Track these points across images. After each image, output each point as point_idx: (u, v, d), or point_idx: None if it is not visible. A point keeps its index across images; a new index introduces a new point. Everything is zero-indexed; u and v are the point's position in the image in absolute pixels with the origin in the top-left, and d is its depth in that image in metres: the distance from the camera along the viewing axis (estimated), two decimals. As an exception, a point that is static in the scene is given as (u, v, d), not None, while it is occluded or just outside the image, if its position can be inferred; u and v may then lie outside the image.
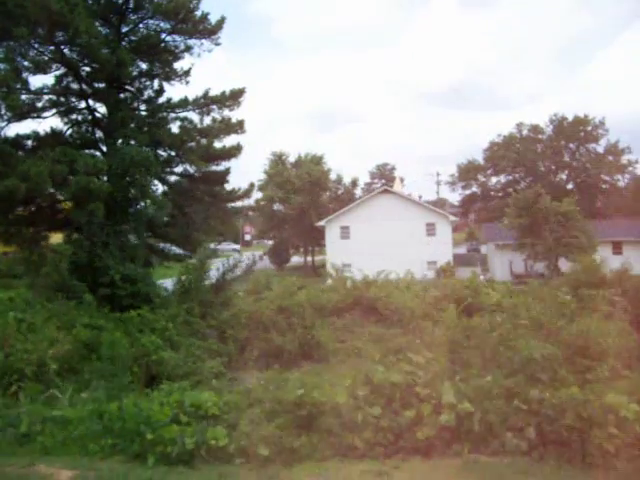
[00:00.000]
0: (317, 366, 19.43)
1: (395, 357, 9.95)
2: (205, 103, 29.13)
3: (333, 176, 65.60)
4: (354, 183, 67.53)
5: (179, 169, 30.02)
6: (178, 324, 20.03)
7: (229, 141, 30.69)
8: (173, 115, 29.12)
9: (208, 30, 27.23)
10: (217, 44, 27.89)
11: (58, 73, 26.58)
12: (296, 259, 68.50)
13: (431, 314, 21.64)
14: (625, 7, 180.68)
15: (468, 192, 76.54)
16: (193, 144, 29.12)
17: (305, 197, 57.96)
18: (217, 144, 29.99)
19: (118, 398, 11.41)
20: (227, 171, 29.88)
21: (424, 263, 49.35)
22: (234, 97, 29.34)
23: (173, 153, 29.36)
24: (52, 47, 25.49)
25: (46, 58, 25.92)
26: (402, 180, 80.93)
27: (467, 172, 74.60)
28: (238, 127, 30.13)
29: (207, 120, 29.85)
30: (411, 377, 6.88)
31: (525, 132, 73.84)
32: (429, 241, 53.30)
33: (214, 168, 30.16)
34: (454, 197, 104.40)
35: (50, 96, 26.81)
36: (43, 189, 21.87)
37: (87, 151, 26.70)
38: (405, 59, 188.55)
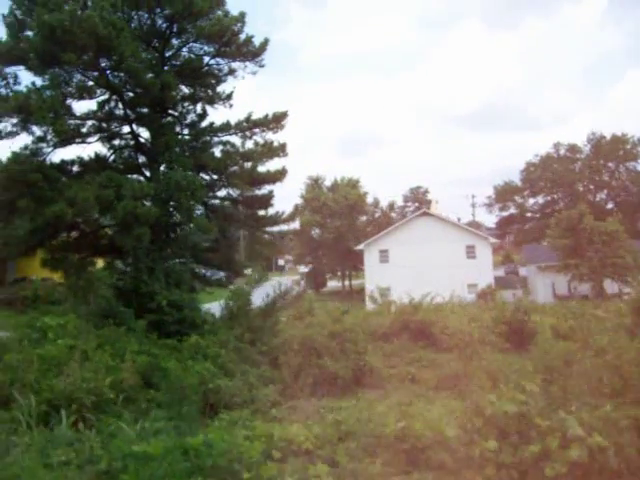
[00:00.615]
0: (373, 393, 18.83)
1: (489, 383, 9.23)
2: (248, 127, 28.82)
3: (370, 199, 65.27)
4: (391, 206, 67.14)
5: (222, 193, 29.73)
6: (229, 351, 19.52)
7: (272, 165, 30.31)
8: (216, 139, 28.88)
9: (252, 52, 27.01)
10: (261, 66, 27.65)
11: (102, 99, 26.59)
12: (332, 284, 67.95)
13: (488, 338, 20.92)
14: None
15: (505, 214, 75.50)
16: (236, 168, 28.81)
17: (342, 221, 57.56)
18: (260, 168, 29.66)
19: (183, 429, 10.89)
20: (271, 195, 29.48)
21: (464, 286, 48.49)
22: (277, 120, 29.02)
23: (216, 177, 29.06)
24: (97, 72, 25.43)
25: (91, 84, 25.89)
26: (437, 202, 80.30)
27: (504, 193, 73.69)
28: (280, 150, 29.76)
29: (249, 144, 29.58)
30: (526, 407, 6.25)
31: (562, 152, 72.85)
32: (469, 264, 52.49)
33: (257, 192, 29.77)
34: (489, 219, 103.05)
35: (94, 121, 26.74)
36: (90, 214, 21.67)
37: (131, 176, 26.51)
38: (433, 82, 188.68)
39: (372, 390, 19.50)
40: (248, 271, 30.23)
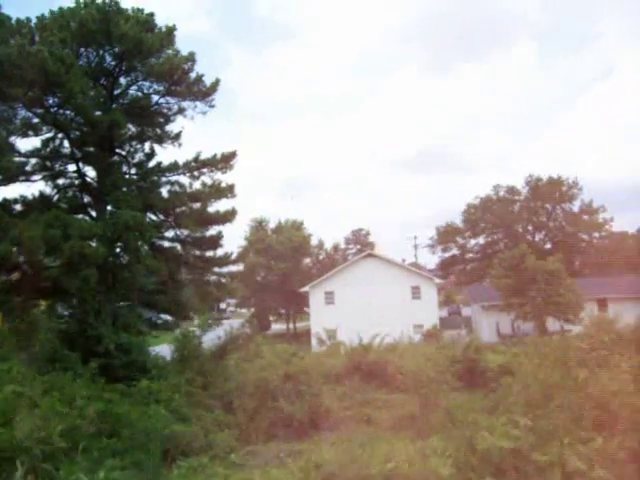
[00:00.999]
0: (329, 435, 18.44)
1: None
2: (196, 166, 28.51)
3: (314, 241, 65.29)
4: (335, 248, 67.25)
5: (169, 234, 29.17)
6: (181, 395, 18.90)
7: (219, 205, 29.98)
8: (164, 179, 28.44)
9: (202, 92, 26.87)
10: (211, 106, 27.53)
11: (47, 136, 25.94)
12: (276, 326, 67.29)
13: (443, 378, 20.74)
14: (583, 72, 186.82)
15: (448, 255, 76.33)
16: (184, 208, 28.36)
17: (287, 263, 57.27)
18: (209, 209, 29.29)
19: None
20: (220, 235, 29.07)
21: (410, 326, 48.49)
22: (226, 160, 28.81)
23: (163, 217, 28.56)
24: (42, 110, 24.85)
25: (36, 121, 25.28)
26: (377, 245, 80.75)
27: (446, 235, 74.60)
28: (229, 191, 29.48)
29: (196, 184, 29.22)
30: (520, 442, 6.05)
31: (502, 193, 74.43)
32: (415, 304, 52.67)
33: (206, 233, 29.33)
34: (431, 260, 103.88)
35: (38, 160, 26.02)
36: (36, 254, 20.82)
37: (76, 216, 25.77)
38: (372, 126, 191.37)
39: (328, 432, 19.09)
40: (194, 314, 29.67)
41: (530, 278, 46.06)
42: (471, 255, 76.01)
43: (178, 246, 29.60)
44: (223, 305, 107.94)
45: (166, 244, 29.40)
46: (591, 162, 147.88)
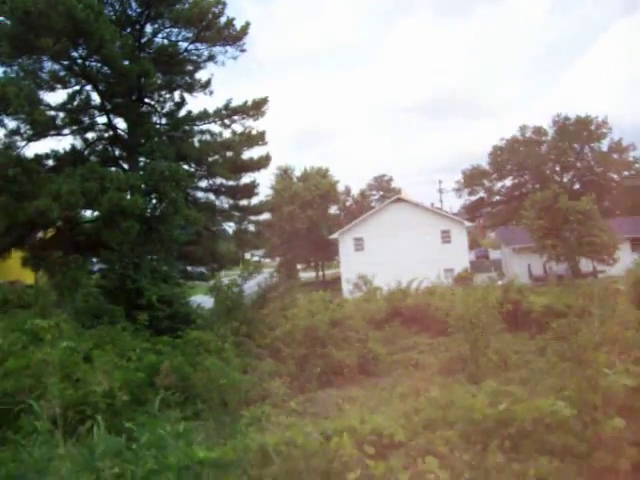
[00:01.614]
0: (379, 380, 18.23)
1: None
2: (227, 114, 27.90)
3: (341, 188, 64.59)
4: (363, 194, 66.50)
5: (202, 184, 28.77)
6: (229, 345, 18.68)
7: (250, 154, 29.45)
8: (195, 128, 27.87)
9: (233, 36, 26.02)
10: (242, 50, 26.67)
11: (74, 89, 25.41)
12: (303, 275, 67.12)
13: (494, 320, 20.32)
14: (601, 10, 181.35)
15: (474, 198, 75.44)
16: (217, 157, 27.86)
17: (314, 210, 56.77)
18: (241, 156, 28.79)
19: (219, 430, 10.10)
20: (254, 183, 28.62)
21: (441, 271, 48.12)
22: (257, 107, 28.17)
23: (197, 167, 28.10)
24: (69, 61, 24.30)
25: (64, 73, 24.73)
26: (402, 191, 80.00)
27: (472, 178, 73.59)
28: (259, 139, 28.92)
29: (227, 133, 28.67)
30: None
31: (528, 134, 73.04)
32: (445, 249, 52.21)
33: (239, 181, 28.88)
34: (454, 204, 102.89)
35: (67, 113, 25.53)
36: (75, 208, 20.52)
37: (110, 169, 25.41)
38: (385, 74, 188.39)
39: (378, 378, 18.85)
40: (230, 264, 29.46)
41: (563, 219, 45.40)
42: (498, 198, 75.14)
43: (211, 196, 29.19)
44: (247, 255, 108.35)
45: (199, 194, 28.99)
46: (616, 102, 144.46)
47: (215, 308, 22.84)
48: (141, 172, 23.64)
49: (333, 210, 62.30)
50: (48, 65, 24.54)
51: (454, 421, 6.36)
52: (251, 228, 29.91)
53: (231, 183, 28.89)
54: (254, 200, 29.41)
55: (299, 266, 65.25)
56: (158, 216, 23.88)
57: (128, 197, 22.75)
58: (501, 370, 17.01)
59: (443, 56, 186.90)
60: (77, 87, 25.74)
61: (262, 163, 28.18)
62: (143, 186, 23.29)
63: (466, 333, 19.91)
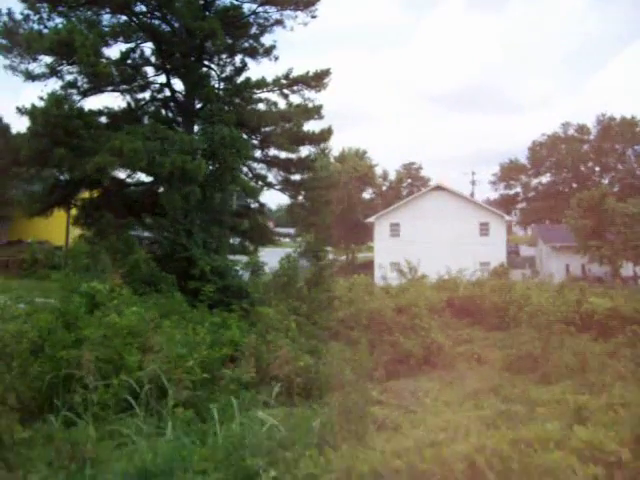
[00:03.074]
0: (443, 373, 17.18)
1: None
2: (288, 84, 26.64)
3: (378, 171, 63.13)
4: (400, 179, 65.05)
5: (255, 154, 27.54)
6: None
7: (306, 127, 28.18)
8: (254, 96, 26.64)
9: (305, 1, 24.68)
10: (314, 17, 25.33)
11: (129, 46, 24.31)
12: (331, 257, 65.75)
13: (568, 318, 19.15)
14: (638, 13, 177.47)
15: (510, 192, 74.02)
16: (274, 127, 26.66)
17: (350, 192, 55.47)
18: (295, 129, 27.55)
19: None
20: (312, 157, 27.32)
21: (476, 264, 46.88)
22: (318, 78, 26.83)
23: (251, 136, 26.90)
24: (131, 15, 23.21)
25: (123, 27, 23.60)
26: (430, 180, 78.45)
27: (509, 171, 72.14)
28: (316, 112, 27.63)
29: (282, 104, 27.45)
30: None
31: (570, 132, 71.44)
32: (482, 241, 50.95)
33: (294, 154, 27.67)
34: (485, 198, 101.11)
35: (126, 68, 24.36)
36: (137, 167, 19.45)
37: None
38: (414, 61, 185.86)
39: (443, 371, 17.80)
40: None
41: (609, 220, 44.12)
42: (533, 194, 73.64)
43: (264, 168, 27.99)
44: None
45: (254, 165, 27.80)
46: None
47: (270, 283, 21.78)
48: (201, 136, 22.43)
49: (368, 194, 60.98)
50: (106, 18, 23.49)
51: None
52: (308, 203, 28.50)
53: (283, 156, 27.69)
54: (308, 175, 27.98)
55: (328, 248, 63.98)
56: (214, 183, 22.77)
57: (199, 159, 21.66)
58: (576, 373, 16.00)
59: (474, 48, 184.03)
60: (135, 43, 24.63)
61: (324, 136, 26.91)
62: (199, 151, 22.20)
63: (539, 330, 18.80)
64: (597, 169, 71.06)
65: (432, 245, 47.97)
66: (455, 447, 5.57)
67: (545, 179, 73.27)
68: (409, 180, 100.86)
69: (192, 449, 6.21)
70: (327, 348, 16.56)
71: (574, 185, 67.84)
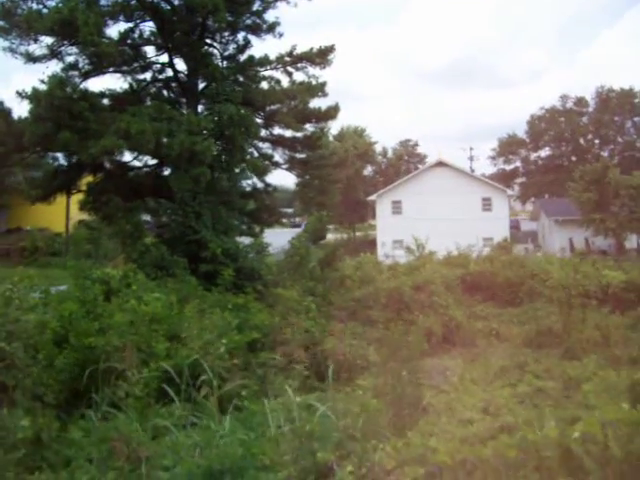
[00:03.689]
0: (464, 350, 16.96)
1: None
2: (292, 61, 26.04)
3: (378, 149, 62.52)
4: (399, 157, 64.53)
5: (261, 133, 26.97)
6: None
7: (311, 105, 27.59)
8: (259, 74, 26.06)
9: (311, -26, 24.00)
10: (320, -10, 24.67)
11: (127, 26, 23.66)
12: (330, 236, 65.48)
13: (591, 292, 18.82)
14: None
15: (510, 167, 73.55)
16: (279, 105, 26.11)
17: (350, 170, 54.91)
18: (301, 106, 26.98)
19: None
20: (318, 134, 26.75)
21: (480, 239, 46.58)
22: (323, 55, 26.21)
23: (256, 115, 26.32)
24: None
25: (122, 4, 22.91)
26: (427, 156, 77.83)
27: (508, 146, 71.63)
28: (319, 89, 27.01)
29: (285, 82, 26.84)
30: None
31: (569, 105, 70.84)
32: (485, 217, 50.62)
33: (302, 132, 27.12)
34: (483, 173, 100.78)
35: (126, 48, 23.77)
36: (145, 149, 18.95)
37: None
38: (406, 38, 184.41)
39: (463, 348, 17.61)
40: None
41: (613, 193, 43.81)
42: (533, 168, 73.16)
43: (270, 147, 27.47)
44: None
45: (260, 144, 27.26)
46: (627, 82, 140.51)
47: (282, 263, 21.42)
48: (207, 115, 21.92)
49: (367, 171, 60.36)
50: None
51: None
52: (317, 182, 27.98)
53: (288, 134, 27.16)
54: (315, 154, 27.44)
55: (330, 226, 63.50)
56: (223, 164, 22.30)
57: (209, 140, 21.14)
58: (601, 347, 15.78)
59: (461, 23, 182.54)
60: (135, 22, 23.96)
61: (331, 114, 26.36)
62: (205, 131, 21.70)
63: (560, 305, 18.52)
64: (596, 142, 70.58)
65: (435, 222, 47.56)
66: (539, 432, 5.22)
67: (544, 153, 72.81)
68: (406, 157, 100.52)
69: (252, 443, 5.84)
70: (343, 329, 16.27)
71: (573, 158, 67.39)
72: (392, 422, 7.55)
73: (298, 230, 26.47)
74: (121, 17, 22.66)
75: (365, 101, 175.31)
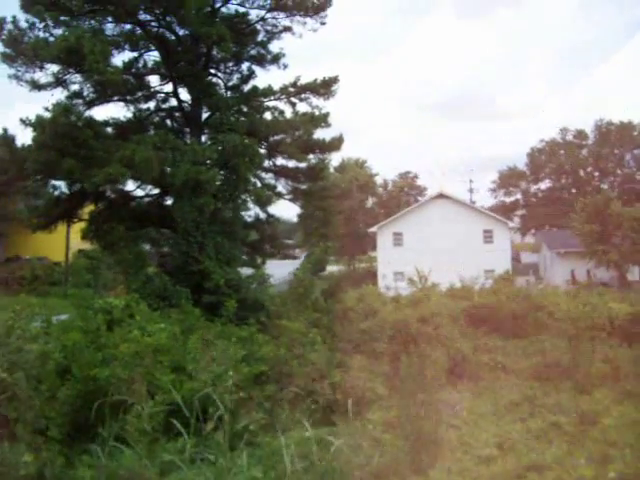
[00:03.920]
0: (471, 384, 16.62)
1: None
2: (296, 91, 26.04)
3: (378, 181, 62.62)
4: (401, 189, 64.60)
5: (264, 163, 26.89)
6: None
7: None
8: (263, 104, 26.08)
9: (315, 7, 24.05)
10: (323, 23, 24.66)
11: (133, 55, 23.78)
12: (330, 268, 65.19)
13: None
14: (625, 19, 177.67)
15: (510, 199, 73.69)
16: (283, 136, 26.07)
17: (351, 202, 54.87)
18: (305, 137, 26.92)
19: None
20: (321, 165, 26.67)
21: (481, 271, 46.35)
22: (327, 85, 26.22)
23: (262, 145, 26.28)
24: (135, 23, 22.68)
25: (128, 35, 23.05)
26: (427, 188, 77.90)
27: (509, 178, 71.85)
28: (322, 120, 26.97)
29: (288, 112, 26.84)
30: None
31: (569, 137, 71.21)
32: (486, 249, 50.47)
33: (305, 163, 27.06)
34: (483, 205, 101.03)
35: (130, 77, 23.81)
36: (149, 177, 18.82)
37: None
38: (406, 71, 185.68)
39: (470, 381, 17.27)
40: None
41: (615, 225, 43.78)
42: (533, 200, 73.27)
43: (272, 178, 27.37)
44: (267, 246, 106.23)
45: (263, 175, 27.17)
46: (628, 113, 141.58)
47: (286, 294, 21.18)
48: (212, 145, 21.85)
49: (368, 203, 60.34)
50: (109, 27, 22.98)
51: None
52: (319, 213, 27.88)
53: (291, 165, 27.11)
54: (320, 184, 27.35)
55: (331, 258, 63.35)
56: (226, 194, 22.17)
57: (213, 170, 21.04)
58: (610, 380, 15.54)
59: (462, 57, 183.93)
60: (139, 52, 24.11)
61: (335, 145, 26.28)
62: (208, 161, 21.63)
63: (568, 337, 18.24)
64: (596, 174, 70.81)
65: (436, 254, 47.40)
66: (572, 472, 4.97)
67: (544, 185, 73.02)
68: (406, 189, 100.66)
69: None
70: (350, 362, 15.99)
71: (573, 191, 67.58)
72: (409, 458, 7.27)
73: (297, 262, 26.33)
74: (126, 46, 22.79)
75: (365, 133, 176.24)
